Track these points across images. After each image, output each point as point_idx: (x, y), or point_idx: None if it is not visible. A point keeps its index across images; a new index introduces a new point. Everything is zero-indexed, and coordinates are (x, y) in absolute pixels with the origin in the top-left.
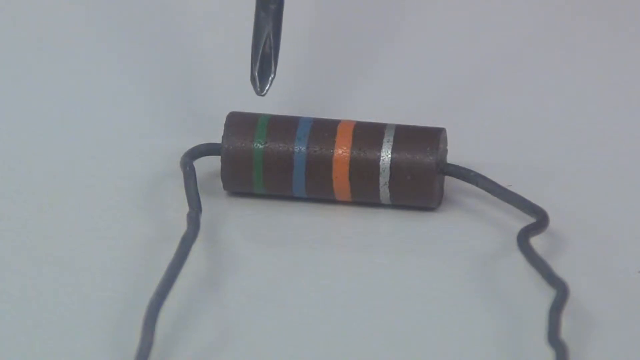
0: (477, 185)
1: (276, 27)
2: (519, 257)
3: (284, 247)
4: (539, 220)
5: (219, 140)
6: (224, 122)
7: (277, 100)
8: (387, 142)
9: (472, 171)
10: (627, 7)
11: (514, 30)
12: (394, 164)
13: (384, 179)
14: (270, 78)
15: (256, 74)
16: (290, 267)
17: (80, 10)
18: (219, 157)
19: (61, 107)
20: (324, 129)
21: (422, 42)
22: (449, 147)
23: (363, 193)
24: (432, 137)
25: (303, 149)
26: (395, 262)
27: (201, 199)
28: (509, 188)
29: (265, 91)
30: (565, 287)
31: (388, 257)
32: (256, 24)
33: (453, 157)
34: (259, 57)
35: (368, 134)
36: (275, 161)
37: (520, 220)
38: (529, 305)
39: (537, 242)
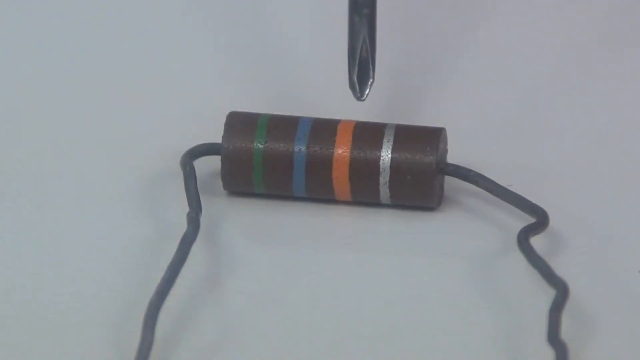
0: (477, 185)
1: (371, 31)
2: (519, 257)
3: (284, 247)
4: (539, 220)
5: (219, 140)
6: (224, 122)
7: (277, 100)
8: (387, 142)
9: (472, 171)
10: (623, 4)
11: (513, 29)
12: (394, 163)
13: (384, 178)
14: (369, 83)
15: (355, 79)
16: (290, 267)
17: (77, 9)
18: (219, 157)
19: (60, 107)
20: (324, 129)
21: (422, 41)
22: (449, 147)
23: (363, 193)
24: (432, 137)
25: (303, 148)
26: (395, 262)
27: (201, 199)
28: (509, 188)
29: (365, 96)
30: (565, 287)
31: (388, 257)
32: (351, 29)
33: (453, 157)
34: (357, 62)
35: (368, 134)
36: (275, 161)
37: (520, 220)
38: (529, 305)
39: (537, 242)
